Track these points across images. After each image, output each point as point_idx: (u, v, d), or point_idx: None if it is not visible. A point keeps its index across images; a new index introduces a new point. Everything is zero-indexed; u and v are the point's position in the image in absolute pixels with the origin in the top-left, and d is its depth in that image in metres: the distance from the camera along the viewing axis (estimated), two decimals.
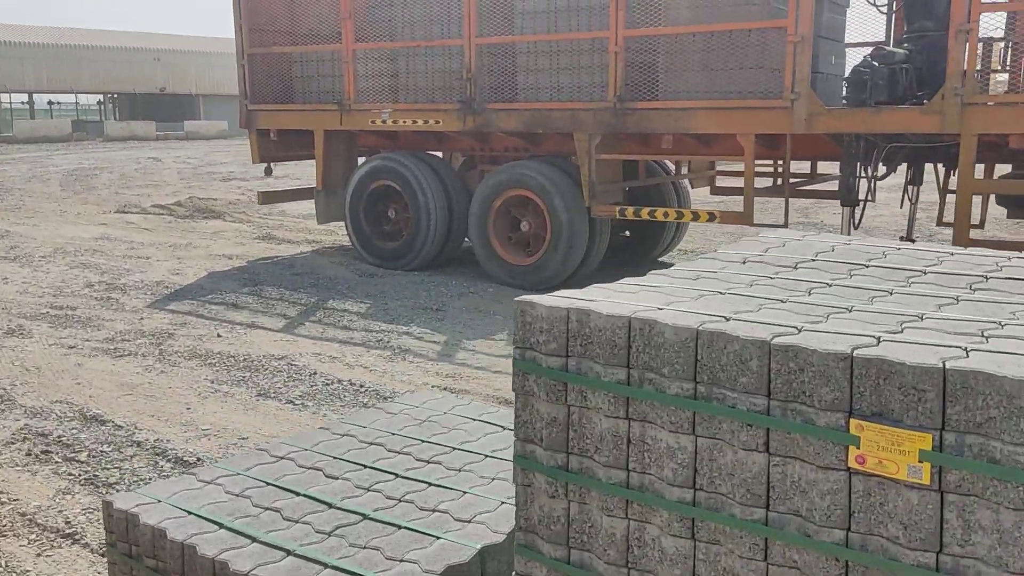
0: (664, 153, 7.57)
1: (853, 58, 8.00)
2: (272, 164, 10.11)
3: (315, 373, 5.56)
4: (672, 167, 9.35)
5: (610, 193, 7.81)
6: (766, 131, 6.73)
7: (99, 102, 47.39)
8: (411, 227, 8.84)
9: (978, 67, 6.06)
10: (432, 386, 5.34)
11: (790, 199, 7.34)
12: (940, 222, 8.11)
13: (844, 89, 6.58)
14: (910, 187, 7.48)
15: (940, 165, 7.43)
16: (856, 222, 6.64)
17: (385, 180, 9.01)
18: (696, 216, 7.15)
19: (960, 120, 5.86)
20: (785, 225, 7.01)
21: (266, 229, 11.88)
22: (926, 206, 9.67)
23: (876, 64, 6.38)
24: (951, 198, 7.64)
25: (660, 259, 9.63)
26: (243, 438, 4.49)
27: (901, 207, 7.98)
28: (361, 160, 9.92)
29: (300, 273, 8.86)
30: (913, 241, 8.29)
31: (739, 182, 9.51)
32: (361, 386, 5.30)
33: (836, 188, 8.46)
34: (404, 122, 8.55)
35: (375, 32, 8.79)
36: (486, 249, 8.40)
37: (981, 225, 7.46)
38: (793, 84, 6.42)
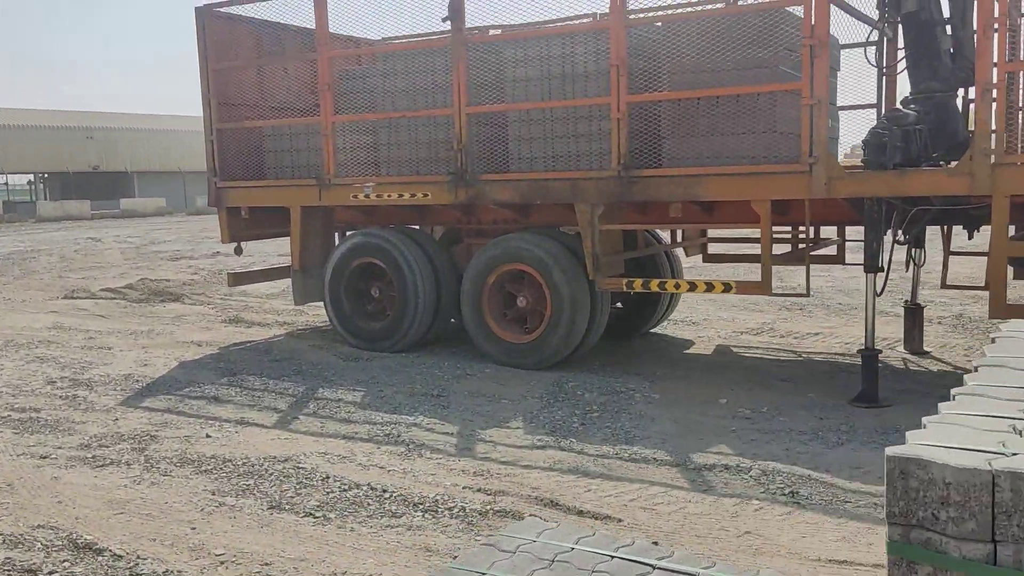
0: (672, 222, 7.29)
1: (846, 122, 7.92)
2: (242, 243, 9.57)
3: (327, 477, 4.99)
4: (664, 236, 9.09)
5: (613, 265, 7.46)
6: (783, 197, 6.49)
7: (29, 182, 46.04)
8: (397, 306, 8.35)
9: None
10: (463, 487, 4.82)
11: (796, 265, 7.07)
12: (944, 285, 7.96)
13: (863, 151, 6.39)
14: (914, 250, 7.30)
15: (944, 227, 7.30)
16: (879, 289, 6.38)
17: (368, 257, 8.54)
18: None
19: (991, 181, 5.68)
20: (807, 294, 6.73)
21: (232, 311, 11.24)
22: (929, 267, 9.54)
23: (894, 126, 6.21)
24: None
25: (652, 331, 9.31)
26: (266, 564, 3.91)
27: (907, 271, 7.80)
28: (338, 236, 9.45)
29: (280, 359, 8.27)
30: (919, 306, 8.12)
31: (732, 249, 9.33)
32: (384, 491, 4.75)
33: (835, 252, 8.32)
34: (389, 196, 8.12)
35: (354, 103, 8.41)
36: (481, 328, 7.94)
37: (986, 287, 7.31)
38: (811, 148, 6.20)
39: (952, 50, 6.75)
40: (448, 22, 7.59)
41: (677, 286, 7.02)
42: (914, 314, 8.17)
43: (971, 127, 7.18)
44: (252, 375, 7.62)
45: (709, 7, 6.73)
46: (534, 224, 8.33)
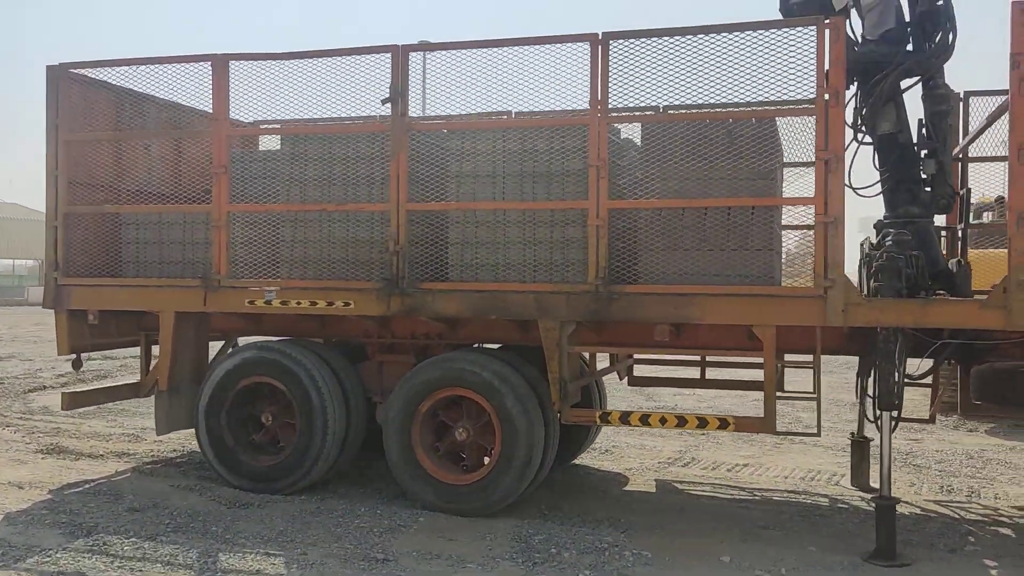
0: (658, 346, 6.38)
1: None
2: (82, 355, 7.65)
3: None
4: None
5: (575, 392, 6.43)
6: (792, 323, 5.79)
7: None
8: (301, 437, 6.82)
9: None
10: None
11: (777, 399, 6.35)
12: (933, 415, 7.43)
13: (875, 277, 5.84)
14: (859, 378, 6.85)
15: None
16: (893, 427, 5.75)
17: (262, 376, 6.98)
18: (704, 423, 5.95)
19: None
20: (818, 434, 6.00)
21: (43, 436, 9.05)
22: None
23: (904, 252, 5.74)
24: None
25: (575, 461, 8.29)
26: None
27: (857, 400, 7.33)
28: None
29: (141, 509, 6.44)
30: (867, 439, 7.63)
31: (657, 371, 8.58)
32: None
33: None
34: (298, 303, 6.70)
35: (254, 191, 7.00)
36: (410, 465, 6.58)
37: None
38: (826, 270, 5.57)
39: (933, 175, 6.45)
40: (388, 105, 6.47)
41: (663, 420, 6.08)
42: (861, 447, 7.69)
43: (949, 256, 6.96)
44: (116, 535, 5.79)
45: (699, 111, 6.08)
46: (464, 340, 7.18)
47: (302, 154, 6.87)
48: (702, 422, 5.94)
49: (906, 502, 7.30)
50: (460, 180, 6.51)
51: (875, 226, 6.67)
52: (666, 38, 5.94)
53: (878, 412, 5.80)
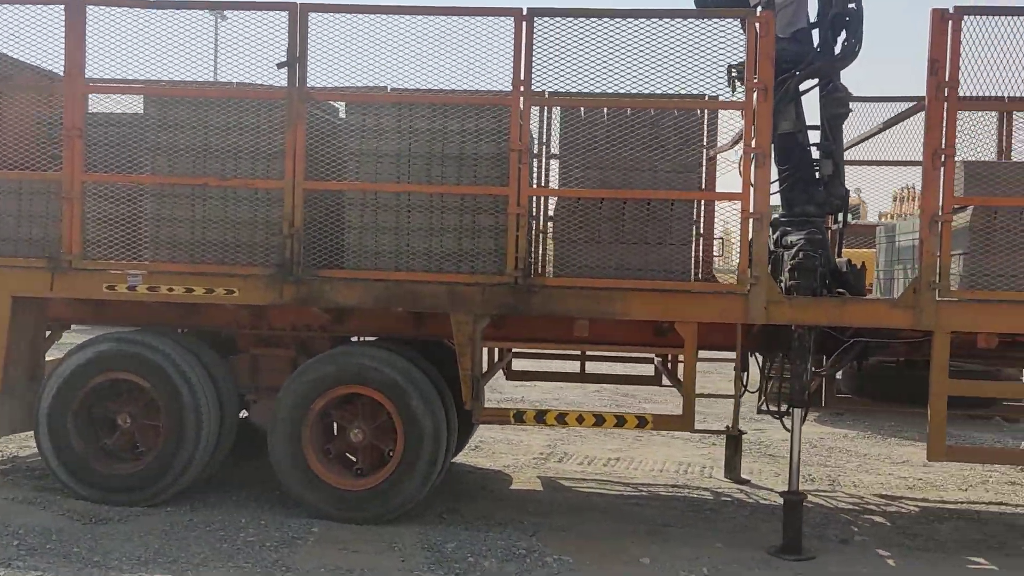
0: (576, 341, 6.12)
1: None
2: None
3: None
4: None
5: (483, 390, 6.08)
6: (715, 320, 5.72)
7: None
8: (168, 441, 6.02)
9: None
10: None
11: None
12: (761, 410, 7.72)
13: (791, 276, 5.88)
14: (764, 375, 6.94)
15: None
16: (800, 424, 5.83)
17: (121, 372, 6.11)
18: (622, 421, 5.77)
19: (936, 316, 5.46)
20: (734, 430, 5.96)
21: None
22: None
23: (818, 250, 5.83)
24: None
25: (453, 460, 7.93)
26: None
27: (737, 395, 7.46)
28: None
29: None
30: (741, 433, 7.80)
31: (538, 365, 8.39)
32: None
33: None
34: (170, 290, 5.90)
35: (115, 160, 6.09)
36: (299, 470, 5.96)
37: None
38: (751, 267, 5.54)
39: (829, 176, 6.62)
40: (284, 69, 5.81)
41: (580, 419, 5.84)
42: (735, 441, 7.85)
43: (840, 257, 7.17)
44: None
45: (622, 98, 5.87)
46: (350, 333, 6.64)
47: (173, 120, 6.05)
48: (620, 420, 5.77)
49: (778, 492, 7.53)
50: (362, 159, 5.97)
51: (772, 224, 6.75)
52: (594, 19, 5.68)
53: (783, 408, 5.89)
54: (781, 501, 5.83)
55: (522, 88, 5.67)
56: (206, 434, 6.04)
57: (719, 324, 5.83)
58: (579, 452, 8.76)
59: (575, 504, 6.85)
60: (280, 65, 5.79)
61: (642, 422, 5.76)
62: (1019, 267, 5.49)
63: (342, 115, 6.34)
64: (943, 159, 5.40)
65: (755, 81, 5.52)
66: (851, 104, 6.46)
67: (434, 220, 5.92)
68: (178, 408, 5.99)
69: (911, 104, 6.76)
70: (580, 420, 5.79)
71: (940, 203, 5.42)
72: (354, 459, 6.21)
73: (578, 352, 7.50)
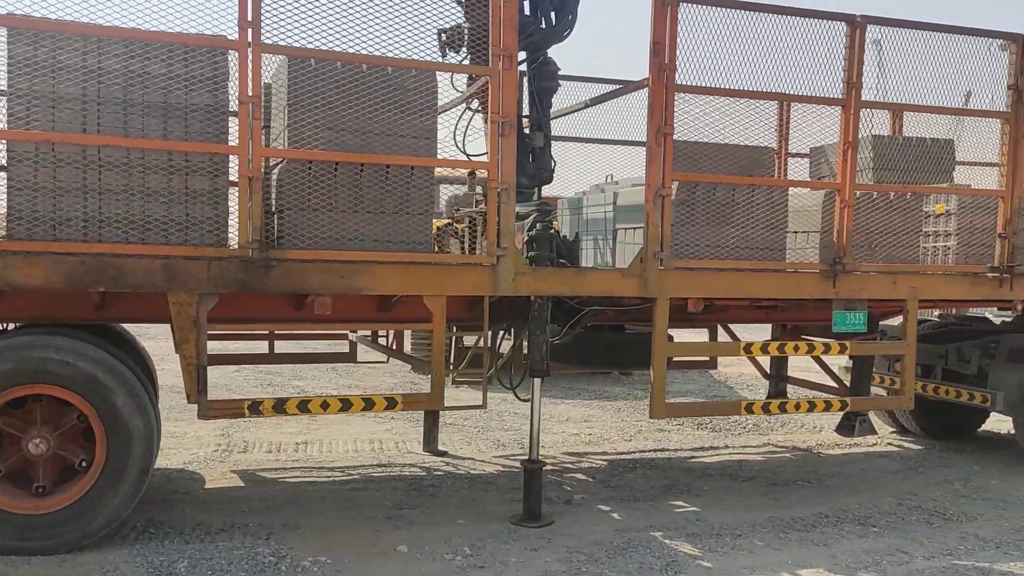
0: (320, 321, 5.47)
1: None
2: None
3: None
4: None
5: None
6: (464, 293, 5.51)
7: None
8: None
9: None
10: None
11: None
12: (458, 381, 7.82)
13: (528, 247, 5.84)
14: (495, 344, 6.95)
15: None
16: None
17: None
18: (370, 404, 5.31)
19: (659, 284, 5.83)
20: (483, 406, 5.78)
21: None
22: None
23: (550, 221, 5.92)
24: None
25: None
26: None
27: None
28: None
29: None
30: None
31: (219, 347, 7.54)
32: None
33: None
34: None
35: None
36: None
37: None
38: (499, 239, 5.44)
39: (540, 149, 6.77)
40: None
41: (325, 405, 5.25)
42: (433, 414, 7.81)
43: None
44: None
45: (357, 55, 5.29)
46: (13, 315, 5.34)
47: None
48: (368, 403, 5.34)
49: (479, 460, 7.64)
50: (32, 103, 4.76)
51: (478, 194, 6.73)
52: None
53: (514, 381, 5.94)
54: (487, 470, 5.87)
55: (251, 30, 4.92)
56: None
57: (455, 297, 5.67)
58: (260, 439, 8.07)
59: (292, 497, 6.27)
60: None
61: (391, 403, 5.39)
62: (718, 238, 6.06)
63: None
64: (664, 137, 5.75)
65: (500, 48, 5.39)
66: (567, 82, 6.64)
67: (134, 181, 4.93)
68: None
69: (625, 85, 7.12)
70: (325, 407, 5.24)
71: (661, 179, 5.77)
72: (32, 476, 5.00)
73: (266, 333, 6.90)
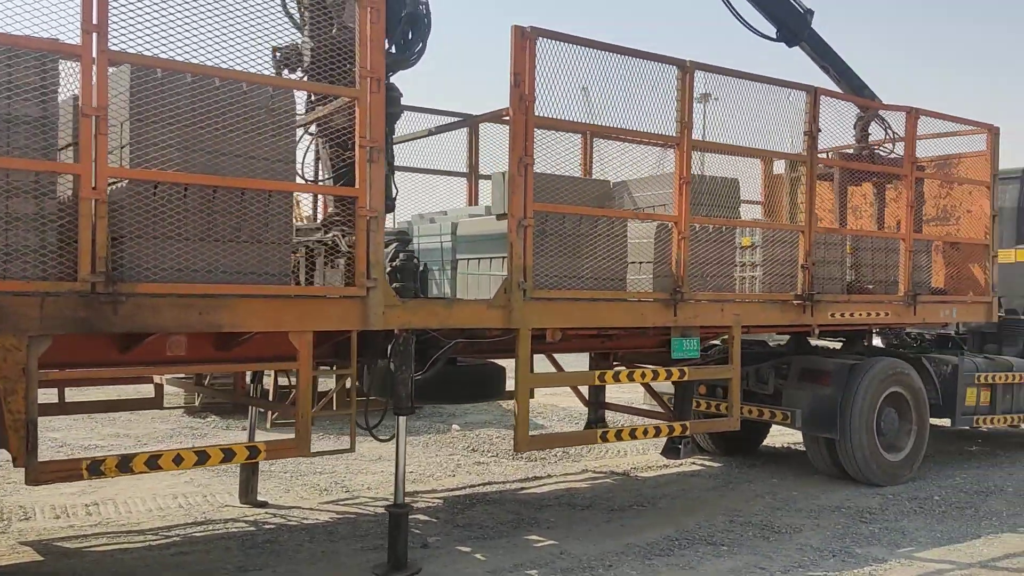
0: (171, 363, 4.75)
1: None
2: None
3: None
4: None
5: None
6: (332, 327, 5.08)
7: None
8: None
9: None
10: None
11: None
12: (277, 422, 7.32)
13: (393, 278, 5.49)
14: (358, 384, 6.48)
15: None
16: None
17: None
18: (230, 455, 4.71)
19: (522, 315, 5.76)
20: (351, 449, 5.29)
21: None
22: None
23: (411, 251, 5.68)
24: None
25: None
26: None
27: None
28: None
29: None
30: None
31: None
32: None
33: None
34: None
35: None
36: None
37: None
38: (369, 270, 5.11)
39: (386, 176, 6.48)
40: None
41: (179, 459, 4.57)
42: (251, 466, 7.20)
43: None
44: None
45: (207, 67, 4.72)
46: None
47: None
48: (228, 454, 4.76)
49: (307, 508, 7.13)
50: None
51: (327, 223, 6.34)
52: None
53: (370, 422, 5.61)
54: (321, 518, 5.50)
55: (97, 34, 4.29)
56: None
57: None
58: (37, 503, 6.99)
59: (111, 569, 5.45)
60: None
61: (254, 452, 4.84)
62: (573, 268, 6.12)
63: None
64: (525, 168, 5.73)
65: (367, 70, 5.12)
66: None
67: None
68: None
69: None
70: (178, 461, 4.59)
71: (523, 209, 5.74)
72: None
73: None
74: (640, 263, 6.92)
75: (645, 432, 6.54)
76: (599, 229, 6.33)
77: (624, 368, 7.05)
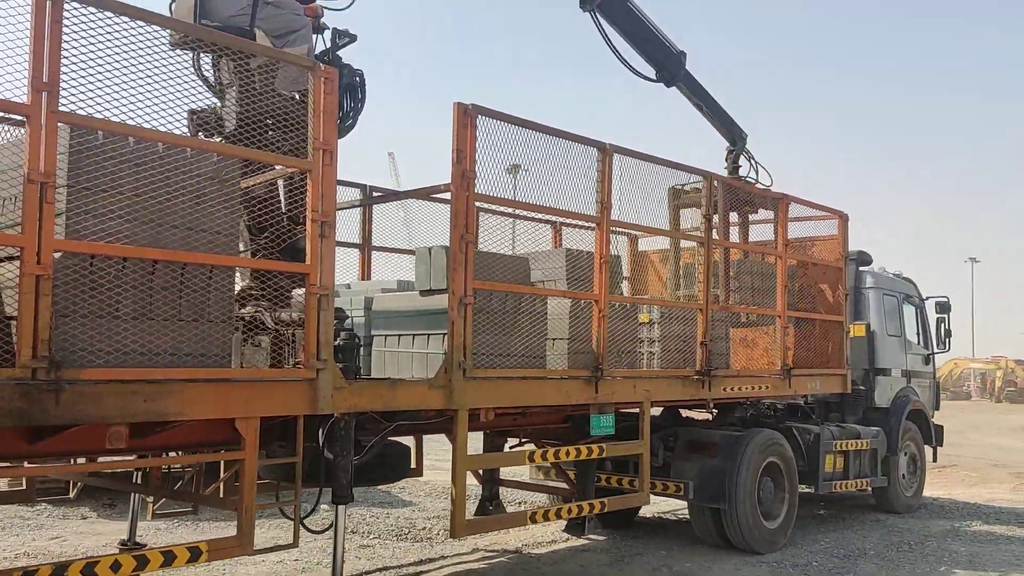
0: (114, 455, 4.19)
1: None
2: None
3: None
4: None
5: None
6: (280, 413, 4.73)
7: None
8: None
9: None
10: None
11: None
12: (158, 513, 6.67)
13: (337, 357, 5.16)
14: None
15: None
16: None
17: None
18: (170, 557, 4.22)
19: (462, 394, 5.62)
20: (295, 544, 4.85)
21: None
22: None
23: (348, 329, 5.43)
24: None
25: None
26: None
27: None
28: None
29: None
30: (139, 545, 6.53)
31: None
32: None
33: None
34: None
35: None
36: None
37: None
38: (319, 351, 4.83)
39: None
40: None
41: (116, 566, 4.01)
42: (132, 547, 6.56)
43: None
44: None
45: (144, 129, 4.29)
46: None
47: None
48: (169, 556, 4.27)
49: None
50: None
51: (241, 298, 5.97)
52: (127, 19, 4.27)
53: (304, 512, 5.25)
54: None
55: (47, 91, 3.88)
56: None
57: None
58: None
59: None
60: None
61: (195, 554, 4.37)
62: (505, 346, 6.06)
63: None
64: (467, 245, 5.66)
65: (320, 142, 4.92)
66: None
67: None
68: None
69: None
70: (116, 568, 4.06)
71: (464, 286, 5.65)
72: None
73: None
74: (554, 340, 6.96)
75: (569, 511, 6.51)
76: (523, 306, 6.33)
77: (551, 448, 6.98)
